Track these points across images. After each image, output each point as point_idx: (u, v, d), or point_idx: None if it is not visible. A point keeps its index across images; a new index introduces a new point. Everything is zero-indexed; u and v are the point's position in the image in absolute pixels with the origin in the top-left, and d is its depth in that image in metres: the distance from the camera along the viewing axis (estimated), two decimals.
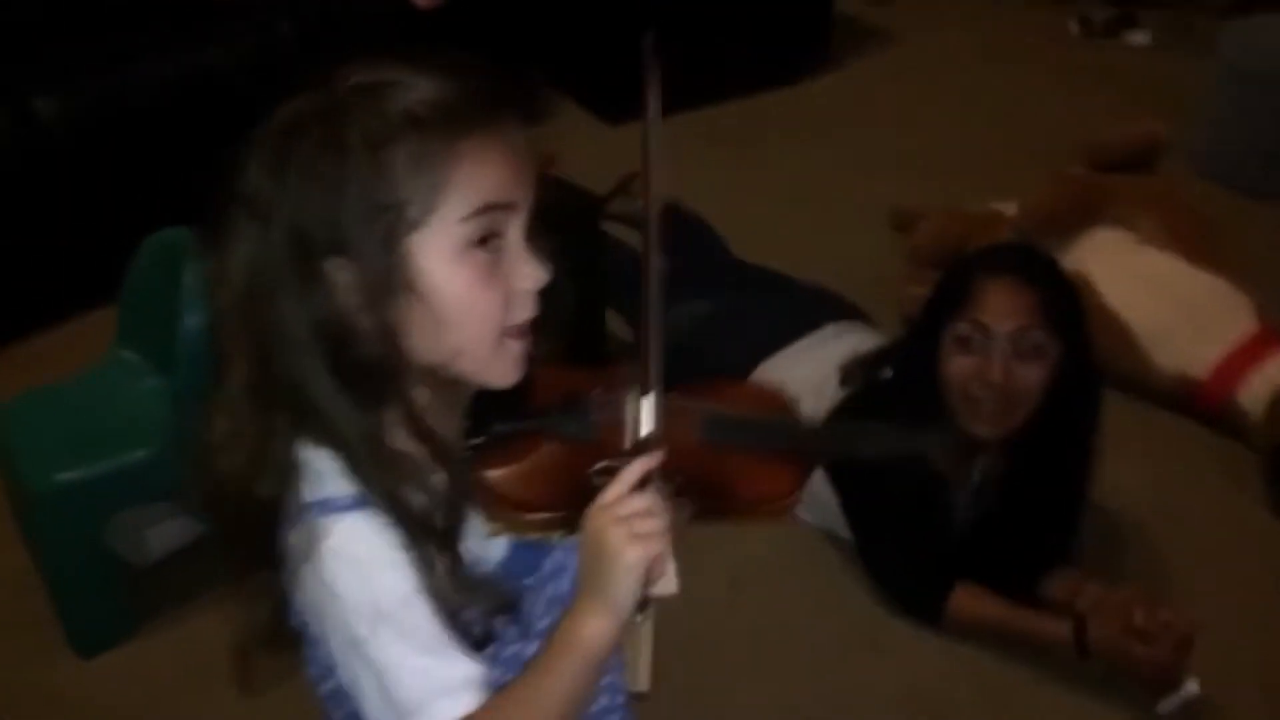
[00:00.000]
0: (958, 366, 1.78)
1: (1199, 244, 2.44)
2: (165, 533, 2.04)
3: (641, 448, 0.86)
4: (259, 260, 0.83)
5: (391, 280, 0.82)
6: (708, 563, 2.01)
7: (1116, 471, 2.20)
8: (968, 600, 1.89)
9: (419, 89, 0.83)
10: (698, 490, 0.93)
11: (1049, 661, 1.85)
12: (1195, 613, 1.95)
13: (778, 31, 3.70)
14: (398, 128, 0.81)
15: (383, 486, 0.84)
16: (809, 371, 2.06)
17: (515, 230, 0.86)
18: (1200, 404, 2.31)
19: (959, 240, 2.68)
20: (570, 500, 0.89)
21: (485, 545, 0.97)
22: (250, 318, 0.84)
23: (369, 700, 0.85)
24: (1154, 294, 2.40)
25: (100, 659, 1.93)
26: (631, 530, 0.83)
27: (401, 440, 0.86)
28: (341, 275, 0.83)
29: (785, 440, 1.00)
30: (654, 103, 0.97)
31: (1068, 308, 1.81)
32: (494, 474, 0.93)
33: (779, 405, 1.11)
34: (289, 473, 0.86)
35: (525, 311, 0.87)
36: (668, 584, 0.85)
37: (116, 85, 2.69)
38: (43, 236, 2.57)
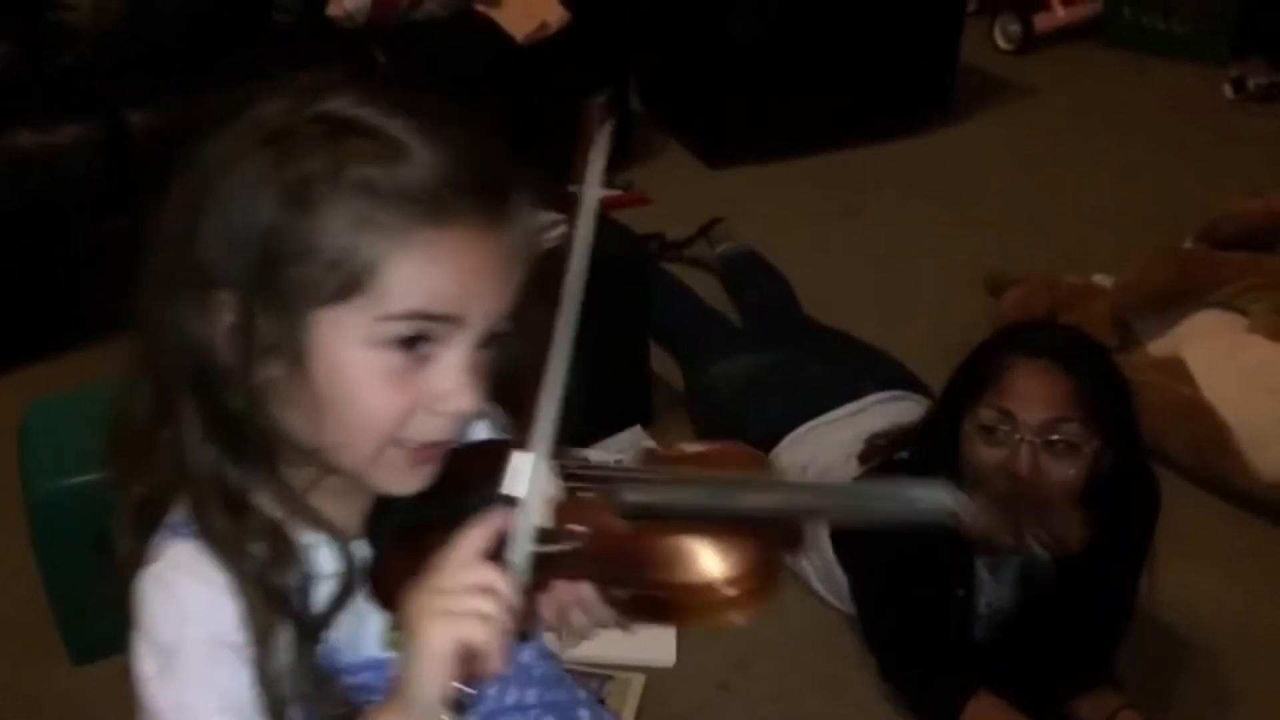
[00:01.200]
0: (981, 456, 1.60)
1: None
2: None
3: (500, 505, 0.73)
4: (172, 255, 0.75)
5: (275, 343, 0.72)
6: (713, 639, 1.88)
7: (1190, 584, 1.98)
8: (985, 711, 1.69)
9: (391, 150, 0.71)
10: (624, 582, 0.75)
11: None
12: None
13: (899, 81, 3.55)
14: (349, 187, 0.70)
15: (224, 540, 0.76)
16: (843, 439, 1.92)
17: (456, 346, 0.74)
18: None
19: (1047, 311, 2.49)
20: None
21: (369, 643, 0.83)
22: (153, 311, 0.76)
23: None
24: (1257, 388, 2.15)
25: (95, 666, 1.93)
26: (442, 606, 0.69)
27: (272, 507, 0.78)
28: (225, 315, 0.74)
29: (735, 507, 0.74)
30: (595, 165, 0.81)
31: (1110, 399, 1.61)
32: (393, 578, 0.76)
33: (746, 463, 0.84)
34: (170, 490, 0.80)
35: (431, 433, 0.75)
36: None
37: (207, 102, 2.75)
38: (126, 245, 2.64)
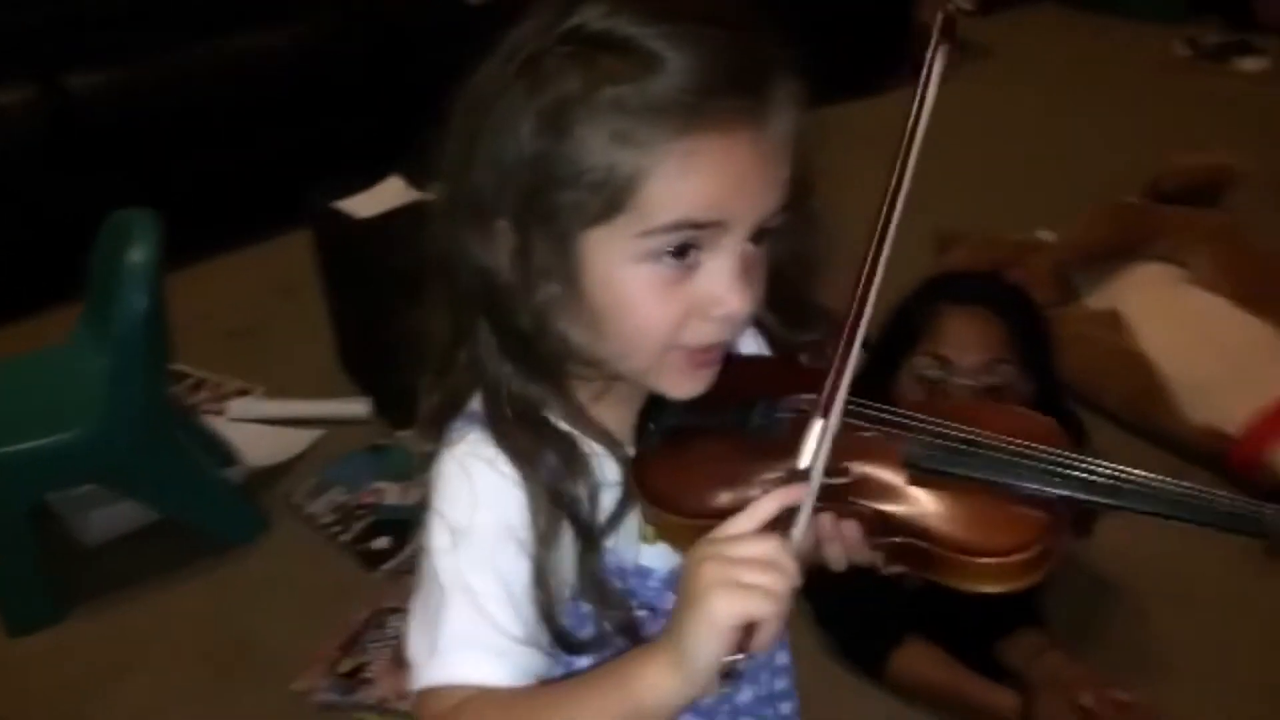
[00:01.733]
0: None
1: (1253, 287, 2.20)
2: (110, 516, 2.05)
3: (791, 478, 0.71)
4: (453, 188, 0.76)
5: (551, 265, 0.74)
6: None
7: (1117, 530, 2.00)
8: (914, 659, 1.72)
9: (642, 63, 0.70)
10: (891, 530, 0.74)
11: None
12: (1180, 695, 1.76)
13: (856, 42, 3.55)
14: (602, 107, 0.70)
15: (519, 450, 0.77)
16: None
17: (722, 250, 0.73)
18: (1229, 462, 2.07)
19: (990, 268, 2.50)
20: (734, 510, 0.73)
21: (649, 554, 0.83)
22: (444, 244, 0.78)
23: (414, 625, 0.77)
24: (1191, 338, 2.18)
25: (28, 639, 1.94)
26: (732, 577, 0.68)
27: (562, 420, 0.79)
28: (504, 240, 0.75)
29: (1030, 486, 0.72)
30: (934, 74, 0.79)
31: (1040, 343, 1.63)
32: (652, 470, 0.78)
33: (1042, 435, 0.78)
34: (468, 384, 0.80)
35: (706, 336, 0.75)
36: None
37: (149, 65, 2.74)
38: (69, 210, 2.63)
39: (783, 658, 0.98)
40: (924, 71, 0.78)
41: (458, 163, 0.76)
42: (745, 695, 0.93)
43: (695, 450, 0.78)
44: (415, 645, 0.77)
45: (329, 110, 2.87)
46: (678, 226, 0.71)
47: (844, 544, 0.77)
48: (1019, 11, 4.18)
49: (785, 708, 0.99)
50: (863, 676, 1.78)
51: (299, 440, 2.36)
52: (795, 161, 0.75)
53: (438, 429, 0.81)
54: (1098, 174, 3.00)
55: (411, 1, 2.95)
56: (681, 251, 0.72)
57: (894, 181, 0.80)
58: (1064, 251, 2.42)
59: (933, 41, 0.78)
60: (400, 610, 1.95)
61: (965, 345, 1.59)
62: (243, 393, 2.50)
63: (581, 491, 0.77)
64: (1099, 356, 2.24)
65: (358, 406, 2.34)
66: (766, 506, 0.71)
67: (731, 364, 0.81)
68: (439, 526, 0.77)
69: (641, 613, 0.81)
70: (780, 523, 0.70)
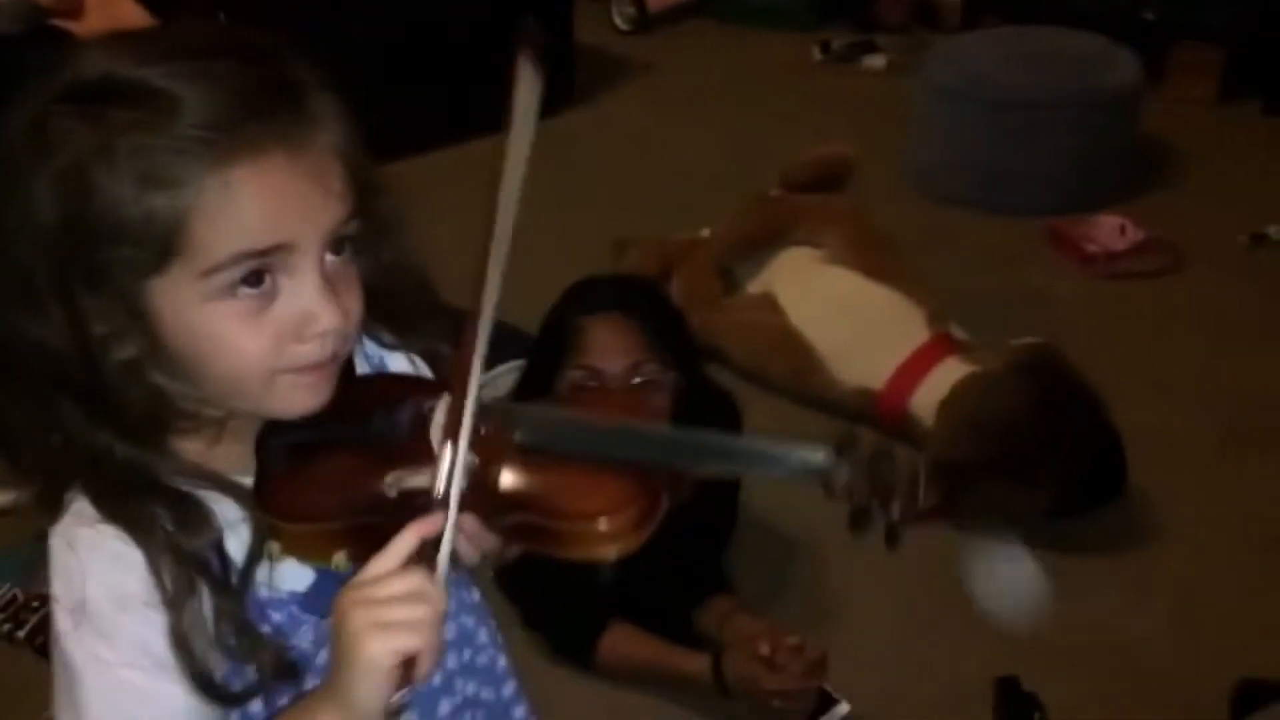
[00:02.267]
0: None
1: (878, 260, 2.46)
2: None
3: (427, 507, 0.73)
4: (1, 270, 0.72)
5: (120, 328, 0.72)
6: None
7: (786, 491, 2.19)
8: (618, 641, 1.83)
9: (153, 105, 0.68)
10: (510, 511, 0.78)
11: None
12: (856, 631, 1.94)
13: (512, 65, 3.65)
14: (122, 158, 0.68)
15: (128, 518, 0.74)
16: None
17: (299, 269, 0.72)
18: (879, 416, 2.31)
19: (660, 269, 2.67)
20: (353, 510, 0.76)
21: (282, 576, 0.82)
22: None
23: (59, 703, 0.75)
24: (833, 311, 2.41)
25: None
26: (379, 618, 0.69)
27: (172, 477, 0.77)
28: (60, 312, 0.72)
29: (621, 452, 0.78)
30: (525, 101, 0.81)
31: (676, 335, 1.77)
32: (271, 483, 0.78)
33: (641, 411, 0.90)
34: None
35: (309, 356, 0.75)
36: None
37: None
38: None
39: (492, 660, 0.99)
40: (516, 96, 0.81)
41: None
42: (444, 708, 0.94)
43: (315, 461, 0.79)
44: None
45: None
46: (238, 259, 0.71)
47: (466, 537, 0.78)
48: (671, 29, 4.44)
49: (518, 712, 1.03)
50: (575, 668, 1.87)
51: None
52: (352, 169, 0.76)
53: (53, 514, 0.79)
54: (750, 175, 3.23)
55: (20, 54, 2.80)
56: (255, 280, 0.72)
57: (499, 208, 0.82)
58: (719, 245, 2.62)
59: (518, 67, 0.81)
60: None
61: (608, 353, 1.70)
62: None
63: (203, 545, 0.77)
64: (760, 337, 2.44)
65: (11, 495, 2.19)
66: (405, 542, 0.72)
67: (354, 381, 0.83)
68: (58, 609, 0.76)
69: (292, 653, 0.81)
70: (422, 554, 0.73)
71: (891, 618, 2.00)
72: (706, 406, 1.80)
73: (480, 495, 0.77)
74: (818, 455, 0.77)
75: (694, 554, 1.86)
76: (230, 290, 0.72)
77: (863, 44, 4.17)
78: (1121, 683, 1.89)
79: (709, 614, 1.86)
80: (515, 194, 0.80)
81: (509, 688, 1.01)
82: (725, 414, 1.86)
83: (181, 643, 0.75)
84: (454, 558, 0.77)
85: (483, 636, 0.98)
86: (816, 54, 4.16)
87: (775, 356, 2.40)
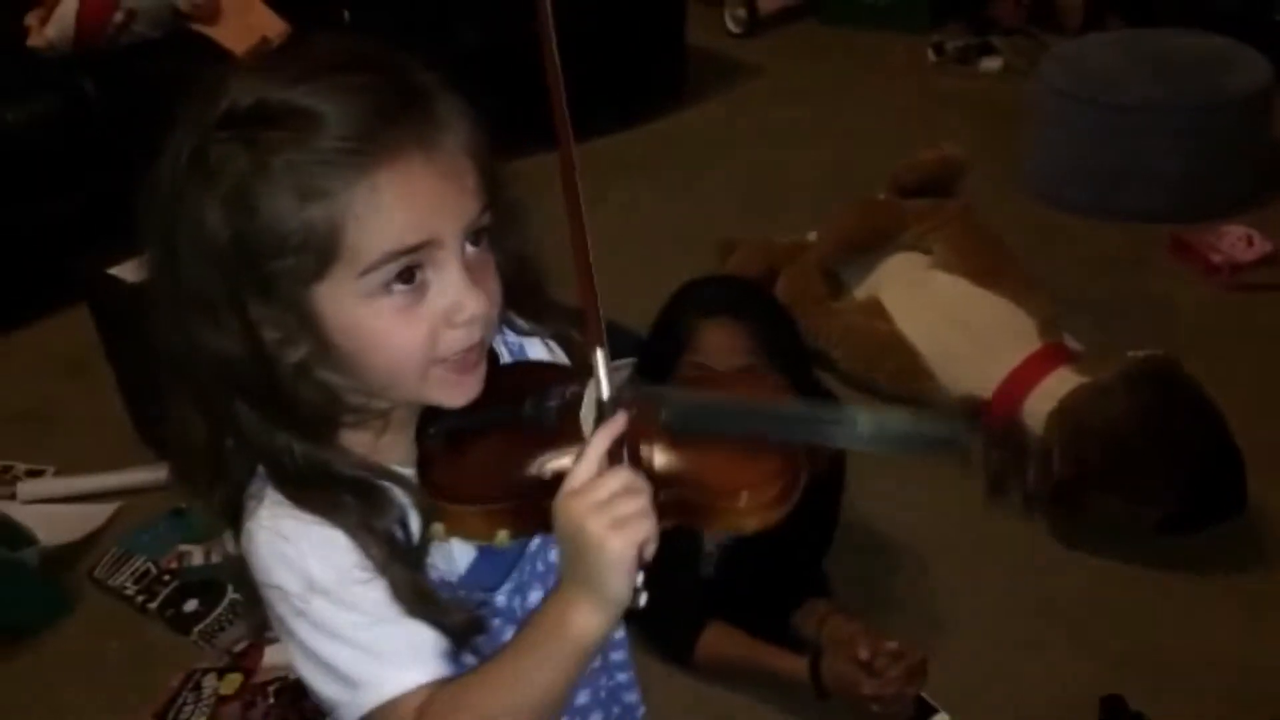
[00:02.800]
0: None
1: (989, 265, 2.42)
2: None
3: (602, 414, 0.78)
4: (165, 290, 0.79)
5: (288, 332, 0.78)
6: None
7: (893, 495, 2.17)
8: (716, 640, 1.84)
9: (302, 123, 0.74)
10: (664, 488, 0.81)
11: None
12: (958, 643, 1.92)
13: (630, 70, 3.69)
14: (278, 175, 0.74)
15: (314, 502, 0.81)
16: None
17: (444, 263, 0.78)
18: (987, 424, 2.27)
19: (765, 271, 2.67)
20: (512, 491, 0.81)
21: (448, 558, 0.88)
22: (174, 343, 0.80)
23: (316, 680, 0.81)
24: (941, 317, 2.38)
25: None
26: (613, 516, 0.75)
27: (346, 468, 0.83)
28: (235, 322, 0.78)
29: (762, 428, 0.82)
30: None
31: (786, 339, 1.77)
32: (434, 467, 0.83)
33: (766, 389, 0.94)
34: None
35: (460, 342, 0.80)
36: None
37: None
38: None
39: (618, 654, 1.04)
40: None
41: (162, 265, 0.79)
42: (582, 698, 0.99)
43: (473, 445, 0.84)
44: (326, 691, 0.82)
45: (91, 176, 2.80)
46: (389, 258, 0.76)
47: None
48: (782, 31, 4.43)
49: (629, 698, 1.07)
50: (673, 664, 1.89)
51: (97, 514, 2.31)
52: (481, 165, 0.81)
53: (233, 518, 0.85)
54: (862, 176, 3.21)
55: (160, 61, 2.93)
56: (407, 277, 0.78)
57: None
58: (826, 248, 2.60)
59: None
60: (213, 670, 1.95)
61: (720, 355, 1.71)
62: (34, 474, 2.44)
63: (390, 523, 0.82)
64: (866, 342, 2.42)
65: (153, 473, 2.31)
66: (598, 445, 0.77)
67: (500, 370, 0.89)
68: (280, 599, 0.82)
69: (480, 610, 0.87)
70: (613, 454, 0.77)
71: (995, 629, 1.97)
72: None
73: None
74: (953, 426, 0.80)
75: (795, 556, 1.86)
76: (385, 288, 0.77)
77: (978, 46, 4.09)
78: (1233, 705, 1.82)
79: (808, 616, 1.86)
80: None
81: (618, 653, 1.05)
82: None
83: (420, 590, 0.82)
84: None
85: (616, 655, 1.04)
86: (930, 56, 4.10)
87: (881, 362, 2.38)
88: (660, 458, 0.82)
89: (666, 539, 1.83)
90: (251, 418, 0.80)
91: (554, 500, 0.78)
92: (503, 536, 0.81)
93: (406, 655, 0.81)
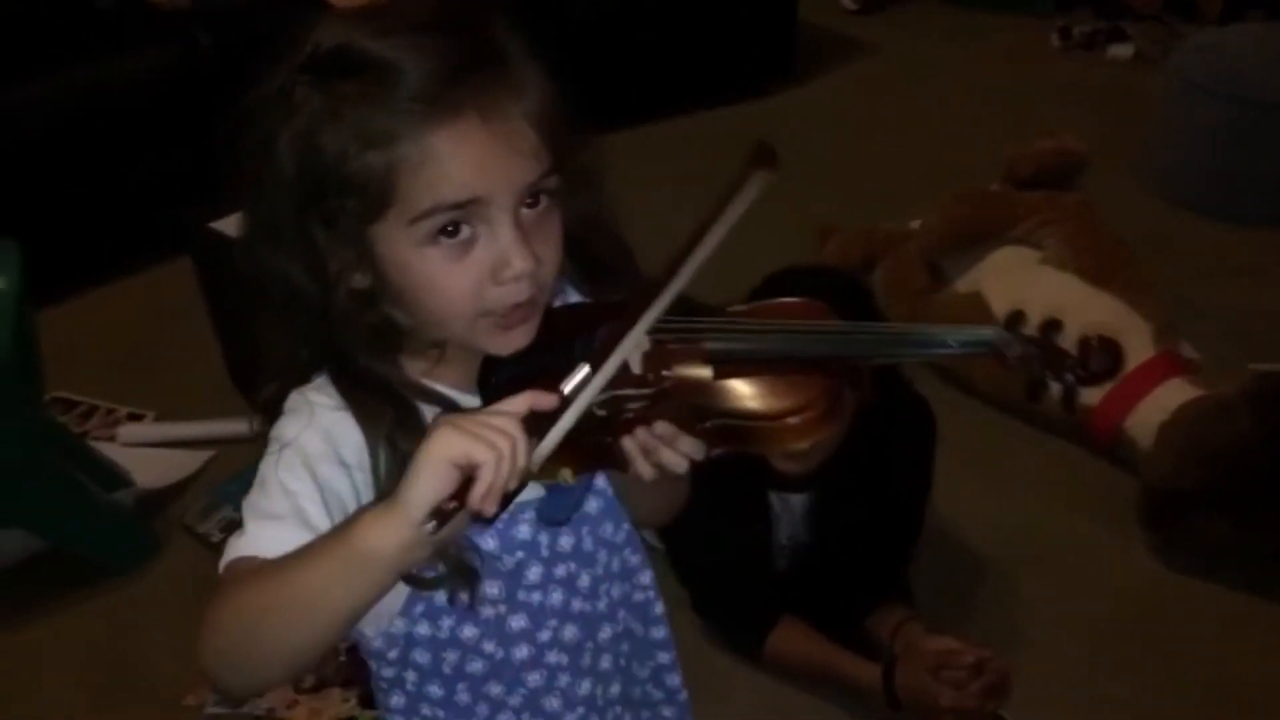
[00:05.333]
0: None
1: (1104, 265, 2.30)
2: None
3: (632, 421, 0.82)
4: (252, 214, 0.85)
5: (351, 263, 0.83)
6: None
7: (985, 500, 2.10)
8: (788, 638, 1.79)
9: (376, 76, 0.78)
10: (707, 416, 0.84)
11: None
12: (1042, 661, 1.84)
13: (740, 44, 3.62)
14: (347, 122, 0.79)
15: (360, 399, 0.85)
16: None
17: (493, 220, 0.81)
18: (1090, 432, 2.17)
19: (863, 259, 2.59)
20: (570, 431, 0.81)
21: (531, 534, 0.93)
22: (257, 264, 0.85)
23: (245, 505, 0.84)
24: (1049, 318, 2.27)
25: None
26: (461, 424, 0.73)
27: (401, 386, 0.87)
28: (303, 249, 0.83)
29: (802, 351, 0.86)
30: None
31: None
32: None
33: (812, 313, 0.93)
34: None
35: (507, 298, 0.83)
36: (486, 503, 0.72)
37: (25, 96, 2.72)
38: None
39: (658, 632, 1.06)
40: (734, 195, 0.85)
41: (246, 189, 0.84)
42: (606, 631, 0.99)
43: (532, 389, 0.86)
44: (233, 536, 0.83)
45: (199, 131, 2.85)
46: (435, 210, 0.80)
47: (666, 442, 0.84)
48: (901, 10, 4.30)
49: (664, 658, 1.08)
50: (743, 658, 1.85)
51: (191, 461, 2.36)
52: (549, 130, 0.82)
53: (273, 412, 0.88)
54: (974, 164, 3.10)
55: (271, 17, 2.96)
56: (453, 230, 0.81)
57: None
58: (930, 238, 2.51)
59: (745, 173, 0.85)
60: None
61: None
62: (135, 418, 2.50)
63: (412, 447, 0.83)
64: None
65: (247, 424, 2.34)
66: (516, 402, 0.77)
67: (553, 312, 0.90)
68: (272, 444, 0.85)
69: (475, 558, 0.89)
70: (531, 424, 0.76)
71: (1082, 647, 1.89)
72: (899, 411, 1.74)
73: (680, 402, 0.84)
74: (988, 330, 0.84)
75: (874, 557, 1.80)
76: (433, 237, 0.81)
77: (1108, 31, 3.92)
78: None
79: (884, 620, 1.81)
80: (701, 258, 0.83)
81: (659, 631, 1.07)
82: (919, 421, 1.79)
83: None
84: (666, 461, 0.83)
85: (645, 579, 1.04)
86: (1054, 40, 3.93)
87: (979, 362, 2.28)
88: (703, 385, 0.84)
89: (734, 528, 1.78)
90: (317, 331, 0.85)
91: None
92: (565, 474, 0.82)
93: (293, 529, 0.80)
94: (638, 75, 3.45)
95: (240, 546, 0.81)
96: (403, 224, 0.80)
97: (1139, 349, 2.17)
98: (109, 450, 2.35)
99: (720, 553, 1.81)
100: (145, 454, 2.38)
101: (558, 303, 0.95)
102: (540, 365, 0.85)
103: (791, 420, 0.83)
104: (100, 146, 2.80)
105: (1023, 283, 2.34)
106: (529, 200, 0.82)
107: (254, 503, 0.83)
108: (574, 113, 0.87)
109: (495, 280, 0.82)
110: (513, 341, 0.85)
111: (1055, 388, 0.72)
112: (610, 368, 0.80)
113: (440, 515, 0.72)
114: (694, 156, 3.30)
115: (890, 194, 3.07)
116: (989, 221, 2.45)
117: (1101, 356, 0.69)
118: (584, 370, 0.80)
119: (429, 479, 0.72)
